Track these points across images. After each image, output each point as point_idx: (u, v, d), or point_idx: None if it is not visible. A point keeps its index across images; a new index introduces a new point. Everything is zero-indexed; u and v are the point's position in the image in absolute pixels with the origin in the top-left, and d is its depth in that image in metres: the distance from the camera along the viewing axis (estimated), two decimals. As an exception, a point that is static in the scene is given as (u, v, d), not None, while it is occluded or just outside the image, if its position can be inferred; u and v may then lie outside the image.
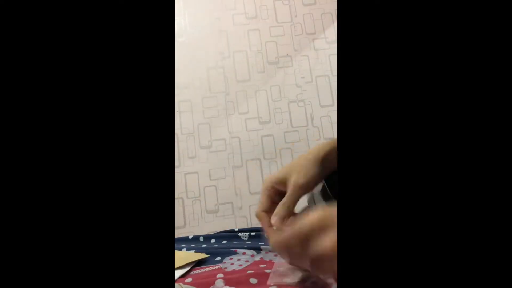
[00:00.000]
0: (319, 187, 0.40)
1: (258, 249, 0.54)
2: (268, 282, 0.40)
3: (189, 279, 0.46)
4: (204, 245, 0.60)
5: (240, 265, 0.49)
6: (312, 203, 0.41)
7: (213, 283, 0.43)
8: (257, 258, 0.51)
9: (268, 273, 0.43)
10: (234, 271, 0.47)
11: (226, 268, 0.49)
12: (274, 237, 0.33)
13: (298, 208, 0.38)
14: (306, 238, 0.27)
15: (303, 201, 0.41)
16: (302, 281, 0.41)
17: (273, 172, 1.31)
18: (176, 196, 1.28)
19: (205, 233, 0.67)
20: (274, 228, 0.35)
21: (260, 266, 0.48)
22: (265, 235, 0.37)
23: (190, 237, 0.66)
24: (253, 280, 0.43)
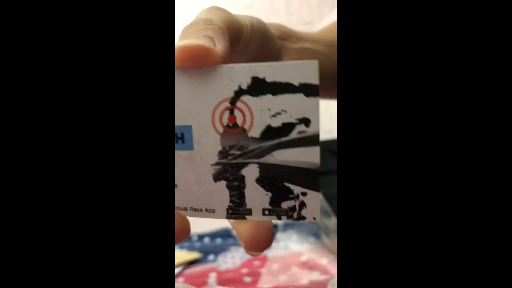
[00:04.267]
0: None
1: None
2: (259, 285, 0.38)
3: (181, 279, 0.44)
4: (198, 244, 0.58)
5: (234, 262, 0.48)
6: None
7: (206, 282, 0.42)
8: None
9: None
10: (227, 270, 0.45)
11: (219, 266, 0.47)
12: None
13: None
14: None
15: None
16: (297, 279, 0.39)
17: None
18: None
19: (201, 231, 0.65)
20: None
21: (254, 263, 0.46)
22: None
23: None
24: (247, 279, 0.41)
